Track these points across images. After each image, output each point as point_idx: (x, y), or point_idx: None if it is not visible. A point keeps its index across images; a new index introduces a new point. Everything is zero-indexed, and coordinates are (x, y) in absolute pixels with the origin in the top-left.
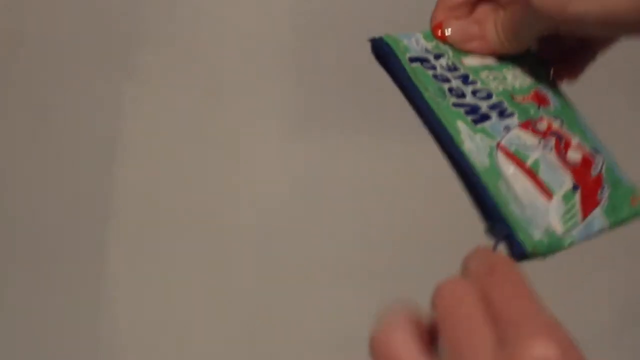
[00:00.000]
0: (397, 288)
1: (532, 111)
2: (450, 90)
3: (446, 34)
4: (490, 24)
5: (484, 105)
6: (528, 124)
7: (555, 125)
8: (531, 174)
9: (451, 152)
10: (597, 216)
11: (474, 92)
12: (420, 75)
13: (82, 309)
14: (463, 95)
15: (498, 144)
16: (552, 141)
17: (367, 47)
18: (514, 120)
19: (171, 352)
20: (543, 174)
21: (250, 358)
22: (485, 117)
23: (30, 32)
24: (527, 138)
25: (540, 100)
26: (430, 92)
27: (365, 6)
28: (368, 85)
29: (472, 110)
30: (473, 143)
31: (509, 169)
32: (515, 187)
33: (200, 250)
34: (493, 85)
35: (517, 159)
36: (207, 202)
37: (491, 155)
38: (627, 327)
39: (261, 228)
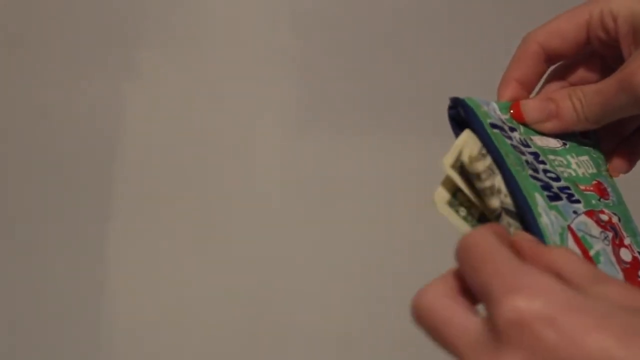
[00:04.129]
0: (399, 287)
1: (594, 201)
2: (527, 162)
3: (523, 113)
4: (567, 102)
5: (554, 186)
6: (592, 214)
7: (615, 220)
8: (592, 264)
9: (529, 222)
10: None
11: (544, 171)
12: (501, 142)
13: (83, 309)
14: (537, 171)
15: (569, 226)
16: (610, 235)
17: (367, 47)
18: (580, 207)
19: (171, 352)
20: (603, 267)
21: (250, 358)
22: (557, 197)
23: (30, 31)
24: (592, 227)
25: (602, 193)
26: (510, 158)
27: (366, 6)
28: (369, 85)
29: (546, 186)
30: (548, 218)
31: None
32: None
33: (200, 250)
34: (559, 170)
35: (583, 246)
36: (207, 202)
37: (562, 235)
38: None
39: (261, 228)
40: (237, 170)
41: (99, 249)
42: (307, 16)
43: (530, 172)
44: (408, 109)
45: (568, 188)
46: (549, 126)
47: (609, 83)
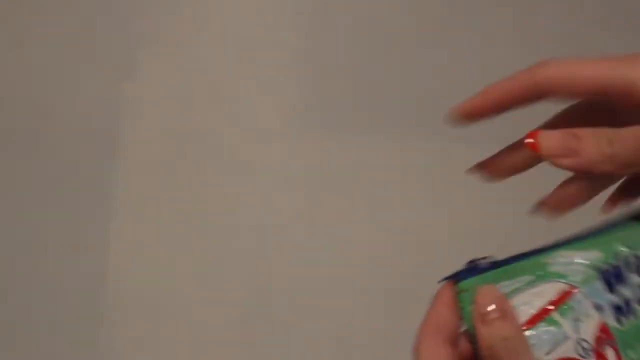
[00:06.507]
0: (399, 287)
1: None
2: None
3: (539, 144)
4: (592, 139)
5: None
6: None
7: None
8: None
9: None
10: None
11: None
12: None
13: (82, 310)
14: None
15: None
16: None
17: (368, 47)
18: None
19: (171, 351)
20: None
21: (250, 357)
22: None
23: (30, 31)
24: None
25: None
26: None
27: (367, 6)
28: (370, 85)
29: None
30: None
31: None
32: None
33: (200, 251)
34: None
35: None
36: (207, 202)
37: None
38: None
39: (261, 227)
40: (237, 169)
41: (99, 248)
42: (308, 16)
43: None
44: (409, 109)
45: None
46: (565, 162)
47: None
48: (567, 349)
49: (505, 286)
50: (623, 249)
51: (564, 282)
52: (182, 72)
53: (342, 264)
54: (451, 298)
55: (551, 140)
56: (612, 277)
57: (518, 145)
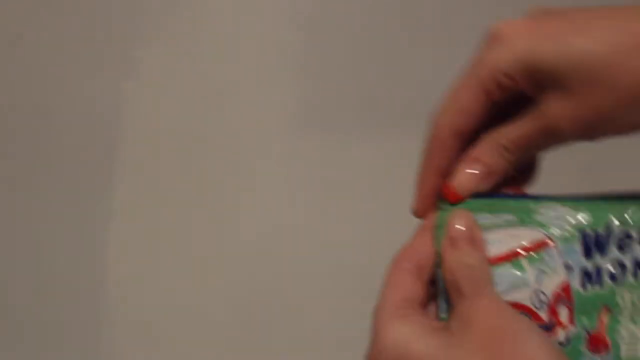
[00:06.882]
0: None
1: None
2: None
3: (457, 191)
4: (493, 157)
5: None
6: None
7: None
8: None
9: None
10: None
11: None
12: None
13: (82, 310)
14: None
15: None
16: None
17: (367, 47)
18: None
19: (171, 351)
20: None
21: (250, 357)
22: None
23: (30, 30)
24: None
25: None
26: None
27: (367, 7)
28: (369, 85)
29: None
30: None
31: None
32: None
33: (200, 249)
34: None
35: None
36: (207, 202)
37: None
38: None
39: (262, 227)
40: (237, 169)
41: (99, 248)
42: (308, 16)
43: None
44: (409, 109)
45: None
46: (484, 187)
47: (532, 128)
48: (523, 295)
49: (486, 218)
50: (615, 221)
51: (543, 233)
52: (182, 72)
53: (342, 264)
54: (432, 226)
55: (463, 180)
56: (592, 244)
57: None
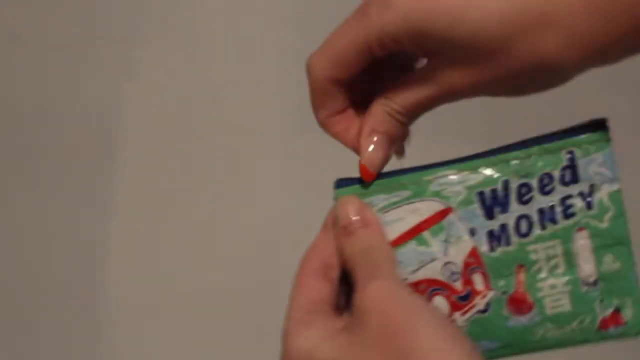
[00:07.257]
0: None
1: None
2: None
3: (370, 170)
4: (390, 124)
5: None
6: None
7: None
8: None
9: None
10: None
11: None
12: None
13: (82, 310)
14: None
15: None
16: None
17: None
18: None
19: (170, 350)
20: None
21: (250, 356)
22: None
23: (30, 30)
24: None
25: None
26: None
27: None
28: None
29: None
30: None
31: None
32: None
33: (200, 250)
34: None
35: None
36: (207, 202)
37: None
38: None
39: (262, 227)
40: (237, 169)
41: (98, 248)
42: (308, 16)
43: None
44: None
45: None
46: (390, 155)
47: (429, 94)
48: (434, 270)
49: (381, 199)
50: (511, 174)
51: (440, 202)
52: (182, 72)
53: None
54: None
55: (373, 157)
56: (492, 203)
57: None
